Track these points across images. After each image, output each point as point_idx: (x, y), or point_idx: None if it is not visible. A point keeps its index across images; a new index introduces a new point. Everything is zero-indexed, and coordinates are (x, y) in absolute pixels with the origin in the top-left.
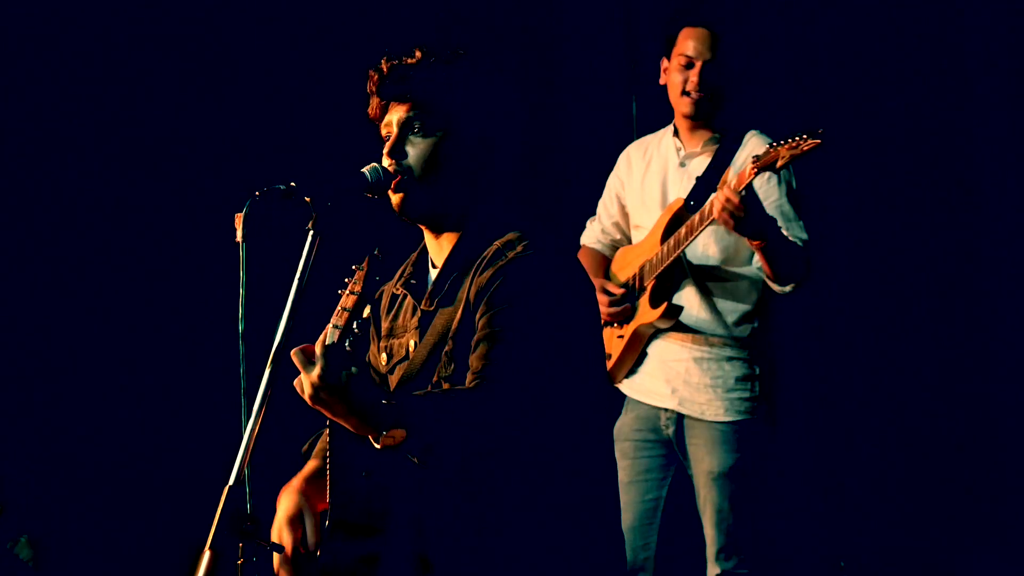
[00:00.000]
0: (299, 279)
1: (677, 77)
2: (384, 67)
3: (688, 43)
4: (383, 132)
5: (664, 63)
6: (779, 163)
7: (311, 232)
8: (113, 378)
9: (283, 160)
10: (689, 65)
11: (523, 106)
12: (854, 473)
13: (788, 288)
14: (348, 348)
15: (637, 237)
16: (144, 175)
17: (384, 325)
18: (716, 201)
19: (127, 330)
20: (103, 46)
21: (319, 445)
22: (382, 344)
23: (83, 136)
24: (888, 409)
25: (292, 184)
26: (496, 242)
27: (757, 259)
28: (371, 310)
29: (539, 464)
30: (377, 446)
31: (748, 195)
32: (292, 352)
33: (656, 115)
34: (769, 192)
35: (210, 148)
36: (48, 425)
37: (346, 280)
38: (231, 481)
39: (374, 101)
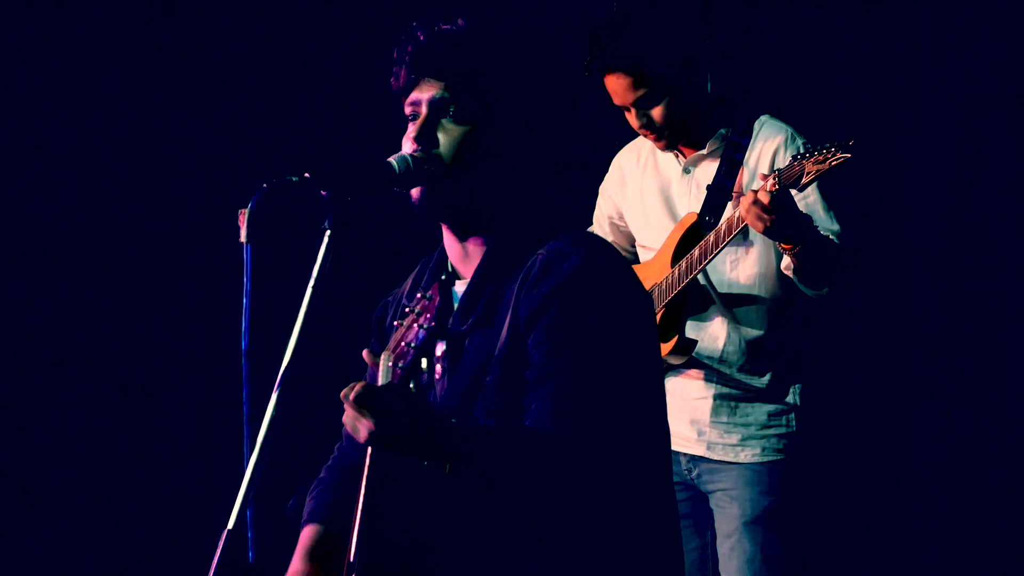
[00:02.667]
0: (313, 286)
1: (630, 121)
2: (420, 35)
3: (610, 91)
4: (407, 110)
5: None
6: (804, 180)
7: (328, 231)
8: (94, 399)
9: (295, 146)
10: (627, 109)
11: (575, 91)
12: (919, 507)
13: (824, 291)
14: (414, 389)
15: (644, 257)
16: (140, 165)
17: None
18: (744, 201)
19: (112, 343)
20: (105, 34)
21: (316, 502)
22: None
23: (81, 129)
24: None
25: (306, 175)
26: (540, 251)
27: (787, 264)
28: (376, 322)
29: (620, 525)
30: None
31: (780, 195)
32: (344, 393)
33: (733, 95)
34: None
35: (214, 135)
36: (18, 457)
37: (406, 309)
38: (230, 525)
39: (402, 72)
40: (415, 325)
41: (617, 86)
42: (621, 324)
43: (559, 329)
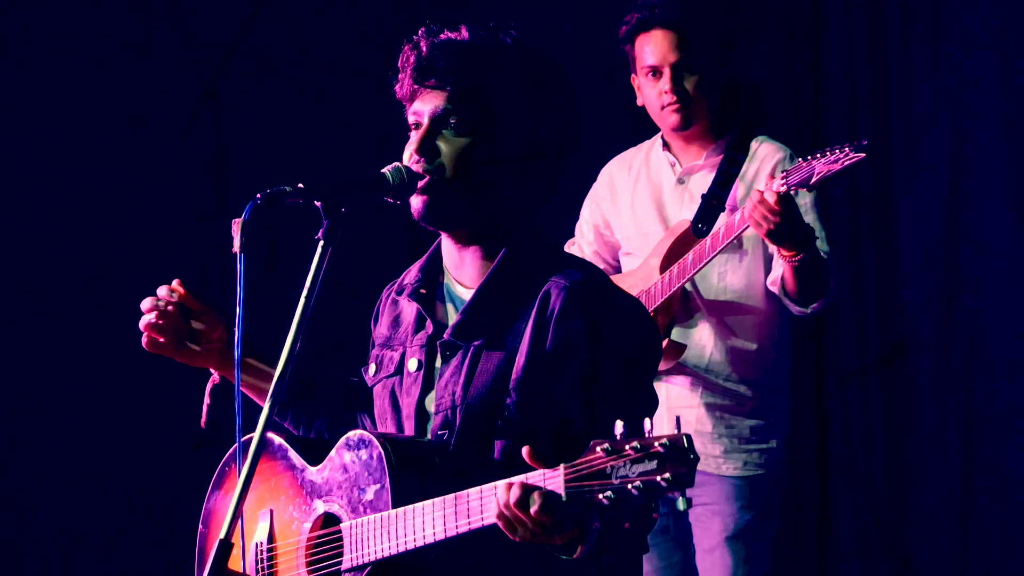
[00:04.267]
0: (306, 297)
1: (650, 91)
2: (423, 45)
3: (648, 51)
4: (410, 119)
5: (634, 80)
6: (814, 179)
7: (321, 242)
8: (84, 406)
9: (290, 156)
10: (656, 73)
11: (578, 103)
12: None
13: (809, 309)
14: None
15: (629, 265)
16: (134, 174)
17: (382, 332)
18: (748, 201)
19: (103, 351)
20: (101, 39)
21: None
22: (373, 352)
23: (75, 134)
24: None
25: (300, 186)
26: (554, 278)
27: (773, 279)
28: (375, 319)
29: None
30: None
31: (785, 197)
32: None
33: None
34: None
35: (208, 144)
36: (6, 460)
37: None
38: (222, 535)
39: (406, 81)
40: (623, 459)
41: (660, 44)
42: (649, 358)
43: (601, 363)
